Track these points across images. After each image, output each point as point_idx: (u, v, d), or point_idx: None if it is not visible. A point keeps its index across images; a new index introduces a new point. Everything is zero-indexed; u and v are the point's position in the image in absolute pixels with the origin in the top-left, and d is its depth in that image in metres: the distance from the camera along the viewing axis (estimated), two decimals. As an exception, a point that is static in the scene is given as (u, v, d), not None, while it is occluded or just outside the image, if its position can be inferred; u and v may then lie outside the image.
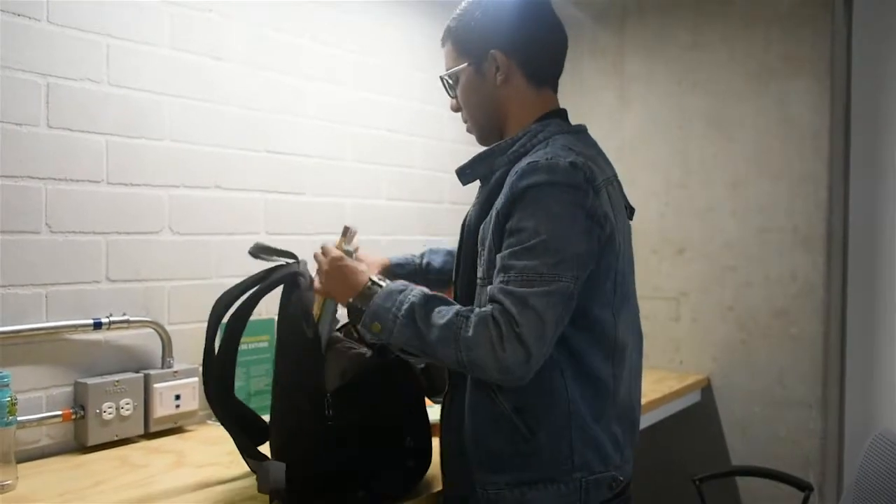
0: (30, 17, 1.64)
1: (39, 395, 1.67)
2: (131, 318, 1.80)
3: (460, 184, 1.42)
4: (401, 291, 1.25)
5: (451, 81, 1.42)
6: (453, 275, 1.44)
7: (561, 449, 1.26)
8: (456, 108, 1.45)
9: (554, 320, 1.17)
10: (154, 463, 1.62)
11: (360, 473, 1.33)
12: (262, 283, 1.44)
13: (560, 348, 1.23)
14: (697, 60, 2.80)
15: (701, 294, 2.79)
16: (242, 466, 1.50)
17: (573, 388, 1.26)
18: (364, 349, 1.43)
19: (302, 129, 2.26)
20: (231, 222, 2.07)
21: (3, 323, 1.60)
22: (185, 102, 1.95)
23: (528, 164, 1.22)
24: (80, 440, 1.70)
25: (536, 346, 1.15)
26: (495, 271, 1.21)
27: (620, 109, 2.96)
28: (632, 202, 1.47)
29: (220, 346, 1.44)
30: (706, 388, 2.76)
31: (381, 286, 1.28)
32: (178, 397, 1.86)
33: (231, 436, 1.40)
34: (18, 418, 1.51)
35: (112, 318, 1.77)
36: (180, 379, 1.87)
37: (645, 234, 2.86)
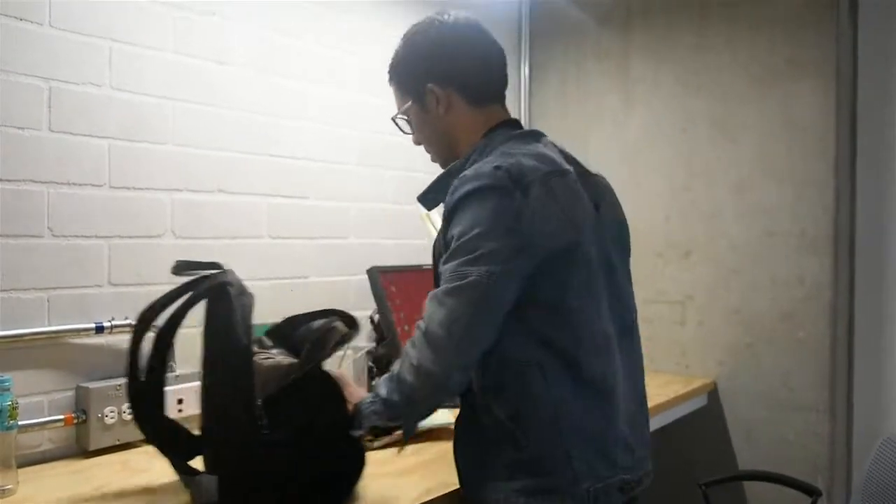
0: (31, 21, 1.64)
1: (41, 399, 1.66)
2: (134, 322, 1.79)
3: (426, 209, 1.47)
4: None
5: (405, 119, 1.46)
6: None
7: (556, 456, 1.23)
8: (417, 143, 1.49)
9: (467, 315, 1.17)
10: (156, 468, 1.60)
11: (295, 483, 1.29)
12: (186, 294, 1.41)
13: (544, 350, 1.22)
14: (702, 63, 2.78)
15: (707, 297, 2.77)
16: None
17: (562, 390, 1.23)
18: (283, 358, 1.40)
19: (305, 132, 2.26)
20: (234, 226, 2.06)
21: (5, 327, 1.60)
22: (187, 106, 1.94)
23: (459, 178, 1.25)
24: (81, 444, 1.70)
25: (444, 343, 1.16)
26: None
27: (625, 112, 2.95)
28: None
29: (148, 362, 1.40)
30: (712, 392, 2.74)
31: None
32: (180, 401, 1.85)
33: (162, 453, 1.39)
34: (20, 422, 1.50)
35: (114, 322, 1.76)
36: (183, 383, 1.86)
37: (650, 238, 2.84)
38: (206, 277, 1.41)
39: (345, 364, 2.29)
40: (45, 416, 1.66)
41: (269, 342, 1.45)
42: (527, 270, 1.20)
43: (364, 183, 2.46)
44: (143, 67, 1.84)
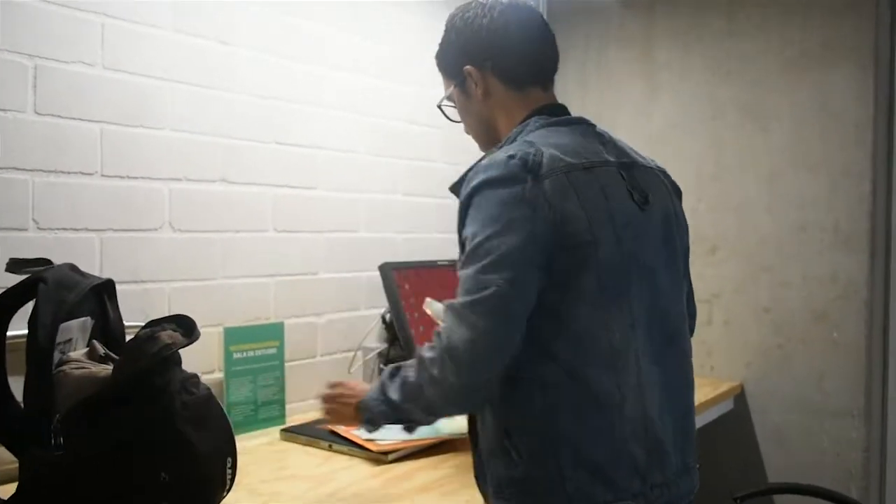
0: (16, -7, 1.50)
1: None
2: (128, 323, 1.64)
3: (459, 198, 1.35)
4: (381, 375, 1.28)
5: (451, 105, 1.42)
6: None
7: (548, 475, 1.15)
8: (466, 131, 1.45)
9: (490, 330, 1.10)
10: None
11: None
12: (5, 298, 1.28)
13: (541, 358, 1.15)
14: (731, 48, 2.63)
15: (734, 295, 2.63)
16: (245, 483, 1.35)
17: (558, 404, 1.15)
18: (101, 369, 1.24)
19: (314, 119, 2.11)
20: (238, 219, 1.92)
21: (-13, 329, 1.46)
22: (188, 89, 1.80)
23: (473, 168, 1.20)
24: None
25: (468, 358, 1.10)
26: None
27: (649, 100, 2.80)
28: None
29: None
30: (739, 396, 2.60)
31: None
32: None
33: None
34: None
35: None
36: (181, 388, 1.72)
37: (674, 232, 2.70)
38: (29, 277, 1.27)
39: (355, 366, 2.16)
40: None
41: (101, 350, 1.30)
42: (544, 266, 1.13)
43: (376, 173, 2.31)
44: (139, 46, 1.69)
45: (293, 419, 1.97)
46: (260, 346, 1.91)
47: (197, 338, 1.29)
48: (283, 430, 1.83)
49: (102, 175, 1.64)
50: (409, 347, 2.01)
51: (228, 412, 1.83)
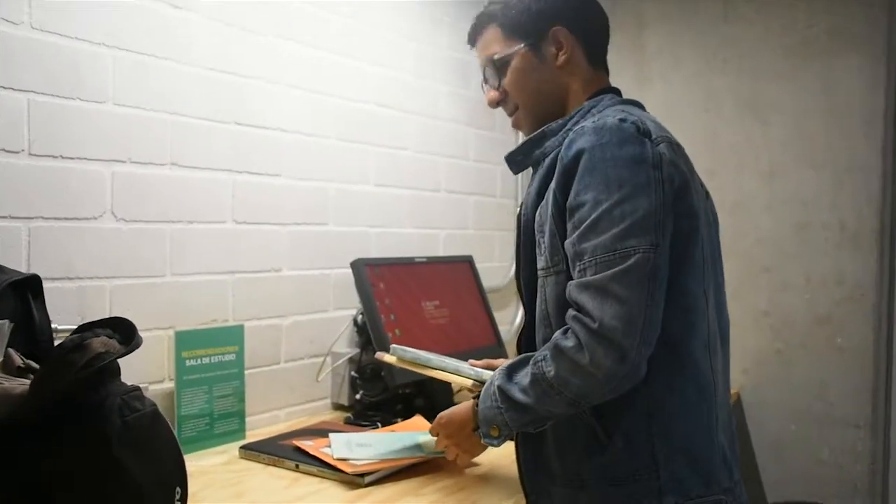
0: (-76, -66, 1.26)
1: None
2: (60, 327, 1.41)
3: (512, 172, 1.35)
4: (490, 384, 1.20)
5: (498, 68, 1.29)
6: (515, 271, 1.32)
7: (640, 459, 1.10)
8: (497, 100, 1.33)
9: (642, 301, 1.03)
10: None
11: None
12: None
13: None
14: (729, 35, 2.48)
15: (730, 298, 2.44)
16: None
17: (661, 385, 1.10)
18: (13, 383, 1.03)
19: (279, 98, 1.89)
20: (191, 208, 1.69)
21: None
22: (134, 57, 1.57)
23: (573, 131, 1.14)
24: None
25: (627, 338, 1.02)
26: (570, 261, 1.10)
27: (639, 90, 2.62)
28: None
29: None
30: (735, 405, 2.44)
31: (478, 397, 1.24)
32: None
33: None
34: None
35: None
36: (124, 402, 1.49)
37: (667, 230, 2.53)
38: None
39: (323, 374, 1.95)
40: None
41: (18, 360, 1.09)
42: (669, 233, 1.08)
43: (346, 160, 2.10)
44: (74, 4, 1.46)
45: (254, 433, 1.76)
46: (216, 352, 1.69)
47: (138, 345, 1.07)
48: (242, 448, 1.61)
49: (30, 154, 1.41)
50: (387, 350, 1.80)
51: (180, 426, 1.61)
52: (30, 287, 1.21)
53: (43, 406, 0.98)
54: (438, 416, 1.37)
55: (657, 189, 1.06)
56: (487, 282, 2.30)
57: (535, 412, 1.13)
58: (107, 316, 1.52)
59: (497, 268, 2.71)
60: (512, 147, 1.34)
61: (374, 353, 1.74)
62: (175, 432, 1.59)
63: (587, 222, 1.06)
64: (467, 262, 2.25)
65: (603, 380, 1.05)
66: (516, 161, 1.30)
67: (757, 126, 2.43)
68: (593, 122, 1.12)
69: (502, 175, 2.73)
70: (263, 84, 1.85)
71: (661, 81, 2.59)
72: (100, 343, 1.02)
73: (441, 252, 2.44)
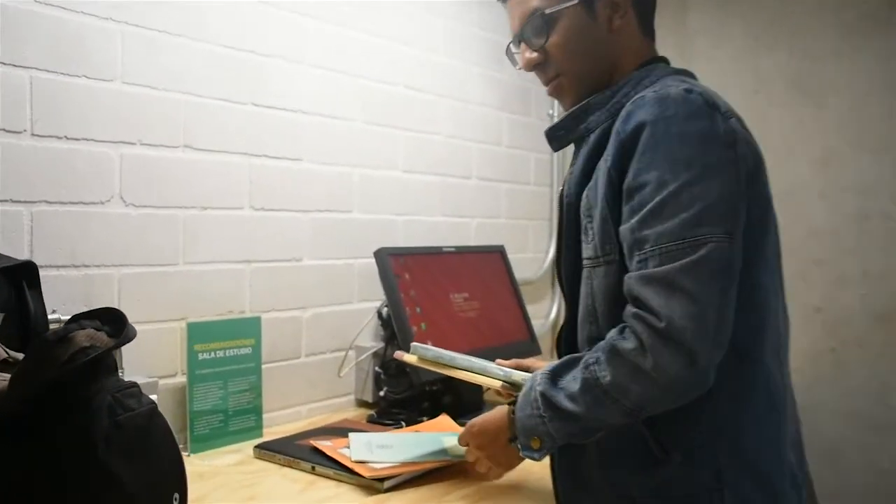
0: None
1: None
2: (64, 317, 1.34)
3: (553, 149, 1.23)
4: (530, 389, 1.06)
5: (543, 24, 1.14)
6: (555, 261, 1.22)
7: (702, 477, 0.98)
8: (535, 64, 1.18)
9: (715, 298, 0.91)
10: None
11: None
12: None
13: None
14: (779, 10, 2.32)
15: (780, 292, 2.31)
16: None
17: (727, 392, 0.98)
18: None
19: (301, 77, 1.79)
20: (205, 193, 1.61)
21: None
22: (145, 33, 1.48)
23: (632, 102, 1.01)
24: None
25: (698, 339, 0.90)
26: (626, 249, 0.98)
27: (682, 71, 2.49)
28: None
29: None
30: (784, 406, 2.29)
31: (515, 402, 1.10)
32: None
33: None
34: None
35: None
36: (133, 397, 1.41)
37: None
38: None
39: (345, 369, 1.85)
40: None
41: (1, 352, 1.00)
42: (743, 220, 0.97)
43: (373, 145, 2.00)
44: (82, -22, 1.38)
45: (272, 431, 1.67)
46: (231, 345, 1.60)
47: (128, 338, 0.99)
48: (257, 447, 1.52)
49: (33, 134, 1.33)
50: (408, 347, 1.70)
51: (192, 423, 1.53)
52: (25, 274, 1.14)
53: (23, 404, 0.90)
54: (469, 424, 1.24)
55: (730, 170, 0.95)
56: (520, 273, 2.19)
57: (584, 422, 1.00)
58: (115, 306, 1.46)
59: (530, 259, 2.59)
60: None
61: (394, 351, 1.66)
62: (187, 430, 1.53)
63: (650, 206, 0.94)
64: (499, 253, 2.14)
65: (668, 387, 0.92)
66: (557, 136, 1.18)
67: (810, 109, 2.27)
68: (654, 91, 1.00)
69: (536, 162, 2.61)
70: (283, 63, 1.75)
71: (705, 61, 2.44)
72: (85, 336, 0.93)
73: (472, 242, 2.33)
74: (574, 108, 1.14)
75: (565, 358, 1.06)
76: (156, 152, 1.51)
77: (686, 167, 0.93)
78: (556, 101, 2.74)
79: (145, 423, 1.00)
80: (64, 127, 1.37)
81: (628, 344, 0.94)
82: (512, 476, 1.42)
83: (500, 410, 1.16)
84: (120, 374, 1.41)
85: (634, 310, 0.94)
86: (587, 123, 1.12)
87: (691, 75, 1.14)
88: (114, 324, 0.99)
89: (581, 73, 1.15)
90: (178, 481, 1.04)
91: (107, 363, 1.01)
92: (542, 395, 1.03)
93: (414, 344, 1.38)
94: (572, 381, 1.00)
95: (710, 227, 0.91)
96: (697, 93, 0.98)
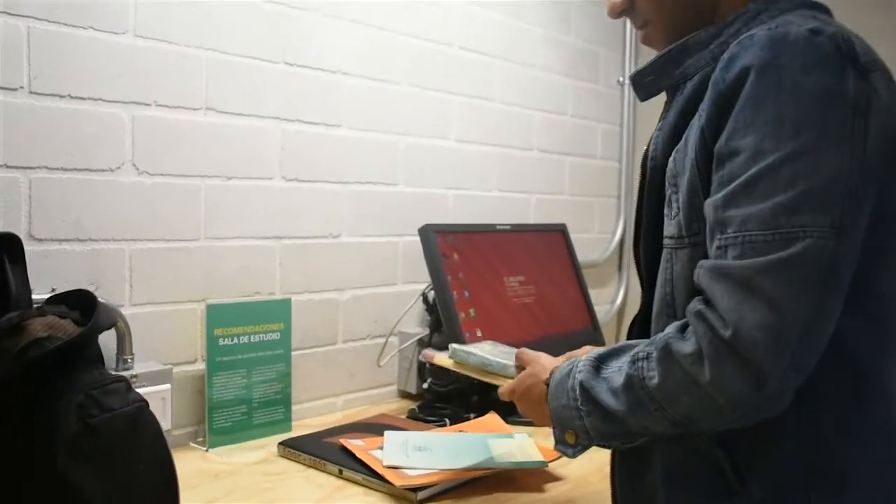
0: None
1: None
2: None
3: (639, 98, 1.00)
4: (568, 374, 0.92)
5: None
6: (633, 238, 1.02)
7: None
8: (622, 8, 0.98)
9: (802, 309, 0.72)
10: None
11: None
12: None
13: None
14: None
15: None
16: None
17: (831, 416, 0.80)
18: None
19: (339, 34, 1.62)
20: (230, 161, 1.45)
21: None
22: (161, -19, 1.33)
23: (738, 42, 0.81)
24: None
25: (771, 358, 0.72)
26: (707, 230, 0.79)
27: None
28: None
29: None
30: None
31: (549, 384, 0.96)
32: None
33: None
34: None
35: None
36: (144, 386, 1.27)
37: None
38: None
39: (386, 357, 1.69)
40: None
41: None
42: (870, 204, 0.77)
43: (422, 111, 1.81)
44: (88, -84, 1.23)
45: (303, 424, 1.52)
46: (258, 330, 1.45)
47: (99, 327, 0.84)
48: (281, 444, 1.37)
49: (31, 93, 1.19)
50: (455, 335, 1.53)
51: (211, 415, 1.39)
52: (6, 248, 1.00)
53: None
54: (509, 386, 1.08)
55: (854, 143, 0.74)
56: (583, 255, 1.99)
57: (625, 424, 0.86)
58: (126, 285, 1.32)
59: (596, 240, 2.37)
60: (618, 101, 1.02)
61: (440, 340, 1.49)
62: (206, 422, 1.39)
63: (741, 179, 0.76)
64: (560, 232, 1.94)
65: (725, 407, 0.76)
66: (644, 84, 0.98)
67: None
68: (769, 29, 0.79)
69: (604, 133, 2.38)
70: (321, 17, 1.58)
71: None
72: (42, 326, 0.78)
73: (531, 220, 2.13)
74: (669, 48, 0.94)
75: (616, 344, 0.91)
76: (173, 115, 1.36)
77: (794, 134, 0.74)
78: (626, 68, 2.54)
79: (127, 426, 0.85)
80: (67, 84, 1.23)
81: (686, 347, 0.78)
82: (567, 486, 1.24)
83: (538, 384, 1.00)
84: (128, 361, 1.28)
85: (700, 307, 0.78)
86: (684, 68, 0.91)
87: (826, 11, 0.91)
88: (84, 306, 0.84)
89: (671, 23, 0.95)
90: (169, 494, 0.89)
91: (84, 354, 0.86)
92: (582, 384, 0.89)
93: (453, 346, 1.19)
94: (617, 374, 0.86)
95: (811, 216, 0.73)
96: (828, 35, 0.77)
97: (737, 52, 0.79)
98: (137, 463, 0.85)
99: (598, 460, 1.09)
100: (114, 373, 1.09)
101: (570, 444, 0.93)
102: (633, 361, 0.84)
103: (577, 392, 0.90)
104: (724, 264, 0.76)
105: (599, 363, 0.90)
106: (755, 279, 0.73)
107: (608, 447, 0.98)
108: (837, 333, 0.77)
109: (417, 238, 1.62)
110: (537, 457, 1.29)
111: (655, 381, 0.81)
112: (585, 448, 0.93)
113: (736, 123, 0.77)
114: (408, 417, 1.58)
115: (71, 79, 1.23)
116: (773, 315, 0.72)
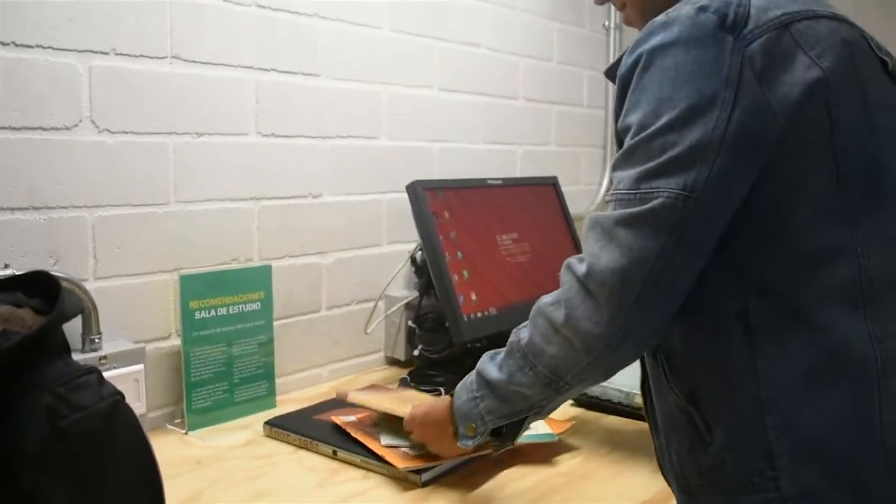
0: None
1: None
2: (19, 272, 1.08)
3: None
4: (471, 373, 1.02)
5: None
6: None
7: (750, 462, 0.81)
8: None
9: (652, 256, 0.79)
10: None
11: None
12: None
13: (750, 294, 0.82)
14: None
15: None
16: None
17: (769, 353, 0.81)
18: None
19: (314, -27, 1.48)
20: (200, 116, 1.32)
21: None
22: (114, -88, 1.18)
23: (647, 26, 0.86)
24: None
25: (615, 294, 0.80)
26: None
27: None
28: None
29: None
30: None
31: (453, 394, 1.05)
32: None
33: None
34: None
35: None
36: (112, 368, 1.15)
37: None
38: None
39: (374, 323, 1.59)
40: None
41: None
42: (754, 168, 0.81)
43: (404, 59, 1.69)
44: None
45: (288, 398, 1.43)
46: (236, 300, 1.34)
47: (65, 315, 0.72)
48: (267, 424, 1.27)
49: (-29, 40, 1.05)
50: (449, 300, 1.43)
51: (189, 395, 1.28)
52: None
53: None
54: (411, 412, 1.12)
55: (719, 114, 0.79)
56: (571, 208, 1.89)
57: (510, 401, 0.94)
58: (89, 257, 1.19)
59: (584, 191, 2.28)
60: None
61: (436, 296, 1.41)
62: (183, 402, 1.28)
63: (625, 148, 0.85)
64: (552, 185, 1.84)
65: (581, 349, 0.84)
66: (613, 76, 1.00)
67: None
68: (667, 14, 0.85)
69: (590, 80, 2.27)
70: (293, -46, 1.43)
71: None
72: None
73: (518, 173, 2.03)
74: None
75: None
76: (135, 65, 1.22)
77: (669, 109, 0.81)
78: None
79: (102, 426, 0.74)
80: (10, 31, 1.08)
81: (549, 297, 0.88)
82: (576, 462, 1.18)
83: (444, 400, 1.07)
84: (95, 341, 1.16)
85: (570, 259, 0.87)
86: None
87: None
88: (44, 292, 0.72)
89: (644, 4, 0.98)
90: (150, 496, 0.79)
91: (49, 345, 0.75)
92: (477, 372, 0.99)
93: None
94: (506, 348, 0.95)
95: (666, 179, 0.80)
96: (713, 10, 0.81)
97: (639, 38, 0.85)
98: (115, 466, 0.75)
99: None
100: (82, 361, 0.98)
101: (470, 436, 0.99)
102: (516, 331, 0.93)
103: (474, 381, 0.98)
104: (596, 215, 0.85)
105: (496, 353, 0.97)
106: (613, 229, 0.81)
107: (505, 438, 1.00)
108: (769, 284, 0.81)
109: (402, 195, 1.50)
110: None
111: (526, 337, 0.90)
112: (483, 436, 0.98)
113: (629, 104, 0.85)
114: (400, 386, 1.49)
115: (14, 25, 1.08)
116: (622, 259, 0.80)
